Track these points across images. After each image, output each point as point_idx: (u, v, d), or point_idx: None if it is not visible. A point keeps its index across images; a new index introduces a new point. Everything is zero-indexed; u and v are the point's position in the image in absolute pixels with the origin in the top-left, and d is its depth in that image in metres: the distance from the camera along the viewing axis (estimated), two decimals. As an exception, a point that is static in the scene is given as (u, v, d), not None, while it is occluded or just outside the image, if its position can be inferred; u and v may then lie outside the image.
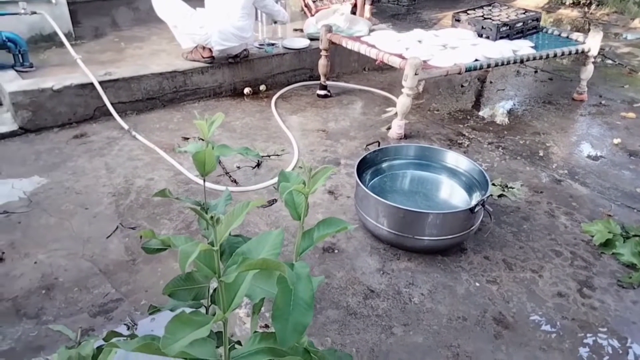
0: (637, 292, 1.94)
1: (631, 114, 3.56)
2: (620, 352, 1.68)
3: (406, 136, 3.15)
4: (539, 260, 2.10)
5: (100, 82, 3.17)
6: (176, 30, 3.51)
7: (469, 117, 3.51)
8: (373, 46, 3.33)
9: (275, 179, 2.62)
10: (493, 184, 2.62)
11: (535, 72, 4.46)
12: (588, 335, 1.74)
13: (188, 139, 3.04)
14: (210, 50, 3.48)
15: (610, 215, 2.40)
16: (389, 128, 3.22)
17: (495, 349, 1.67)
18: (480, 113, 3.62)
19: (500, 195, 2.54)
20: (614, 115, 3.57)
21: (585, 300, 1.90)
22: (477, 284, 1.96)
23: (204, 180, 1.21)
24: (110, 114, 3.16)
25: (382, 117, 3.47)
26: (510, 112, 3.66)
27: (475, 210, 2.00)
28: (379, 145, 2.45)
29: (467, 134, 3.24)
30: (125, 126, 3.08)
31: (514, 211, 2.43)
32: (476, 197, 2.22)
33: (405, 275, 2.00)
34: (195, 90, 3.59)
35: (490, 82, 4.22)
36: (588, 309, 1.86)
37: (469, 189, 2.30)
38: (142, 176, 2.62)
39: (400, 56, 3.11)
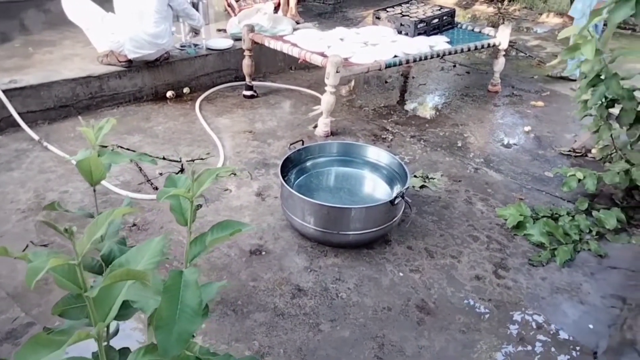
0: (545, 269, 2.09)
1: (540, 103, 3.83)
2: (534, 326, 1.80)
3: (333, 133, 3.19)
4: (458, 246, 2.20)
5: (5, 91, 2.94)
6: (89, 33, 3.34)
7: (392, 112, 3.61)
8: (295, 45, 3.34)
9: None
10: (415, 176, 2.72)
11: (454, 66, 4.68)
12: (503, 313, 1.85)
13: (106, 147, 2.89)
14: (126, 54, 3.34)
15: (521, 199, 2.57)
16: (315, 126, 3.24)
17: (419, 336, 1.74)
18: (403, 108, 3.74)
19: (421, 187, 2.64)
20: (525, 105, 3.82)
21: (500, 280, 2.02)
22: (401, 274, 2.02)
23: (94, 190, 1.16)
24: (18, 125, 2.94)
25: (309, 115, 3.49)
26: (431, 106, 3.81)
27: (396, 202, 2.06)
28: (303, 144, 2.46)
29: (390, 129, 3.33)
30: (36, 137, 2.88)
31: (435, 201, 2.53)
32: (397, 190, 2.29)
33: (332, 271, 2.02)
34: (113, 95, 3.43)
35: (413, 78, 4.37)
36: (503, 289, 1.98)
37: (391, 182, 2.37)
38: (55, 189, 2.46)
39: (322, 54, 3.14)
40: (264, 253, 2.11)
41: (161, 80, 3.64)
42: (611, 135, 2.56)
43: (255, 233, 2.23)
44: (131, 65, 3.42)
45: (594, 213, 2.39)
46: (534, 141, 3.25)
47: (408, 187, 2.14)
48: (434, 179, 2.72)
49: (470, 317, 1.83)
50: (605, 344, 1.73)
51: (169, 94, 3.64)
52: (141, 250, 0.77)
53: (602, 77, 2.36)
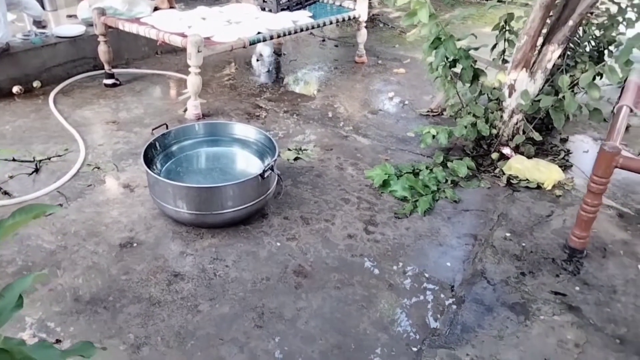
0: (409, 219, 2.28)
1: (402, 70, 4.10)
2: (400, 271, 1.96)
3: (205, 115, 3.12)
4: (331, 210, 2.31)
5: None
6: None
7: (265, 90, 3.62)
8: (153, 27, 3.17)
9: (58, 183, 2.37)
10: (289, 149, 2.78)
11: (323, 40, 4.80)
12: (374, 265, 1.99)
13: (-62, 154, 2.53)
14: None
15: (387, 160, 2.75)
16: (185, 110, 3.14)
17: (297, 299, 1.80)
18: (276, 85, 3.77)
19: (296, 159, 2.70)
20: (389, 73, 4.06)
21: (370, 236, 2.16)
22: (279, 244, 2.07)
23: None
24: None
25: (178, 99, 3.36)
26: (302, 81, 3.88)
27: (266, 175, 2.09)
28: (167, 128, 2.37)
29: (264, 106, 3.35)
30: None
31: (308, 171, 2.61)
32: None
33: (210, 252, 2.00)
34: (-57, 96, 2.99)
35: (284, 54, 4.41)
36: (373, 243, 2.12)
37: (262, 157, 2.39)
38: None
39: (182, 35, 3.03)
40: (135, 244, 2.02)
41: (4, 74, 3.24)
42: (457, 93, 2.83)
43: (124, 225, 2.12)
44: (-39, 59, 3.00)
45: (449, 164, 2.65)
46: (397, 105, 3.48)
47: (277, 160, 2.18)
48: (307, 150, 2.80)
49: (344, 273, 1.94)
50: (461, 277, 1.95)
51: (16, 89, 3.26)
52: None
53: (442, 39, 2.58)
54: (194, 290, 1.81)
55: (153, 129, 2.34)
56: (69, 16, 4.03)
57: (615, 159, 1.86)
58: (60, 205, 2.22)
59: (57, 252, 1.95)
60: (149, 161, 2.18)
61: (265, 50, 4.44)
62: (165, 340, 1.61)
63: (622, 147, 1.91)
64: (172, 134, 2.36)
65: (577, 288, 1.90)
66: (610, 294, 1.88)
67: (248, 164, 2.41)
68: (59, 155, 2.60)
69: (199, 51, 2.87)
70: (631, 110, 2.23)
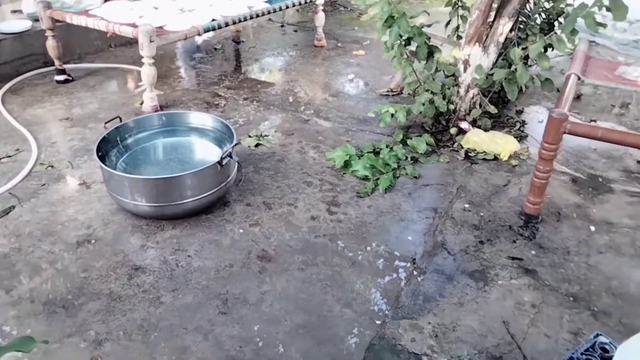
0: (370, 198, 2.30)
1: (361, 52, 4.10)
2: (363, 248, 1.98)
3: (162, 107, 3.05)
4: (294, 194, 2.31)
5: None
6: None
7: (224, 78, 3.57)
8: (102, 19, 3.07)
9: (10, 184, 2.29)
10: (249, 136, 2.76)
11: (282, 26, 4.75)
12: (337, 244, 2.00)
13: None
14: None
15: (348, 141, 2.76)
16: (142, 103, 3.07)
17: (261, 283, 1.80)
18: (235, 72, 3.72)
19: (257, 145, 2.69)
20: (349, 55, 4.06)
21: (333, 216, 2.17)
22: (241, 231, 2.06)
23: None
24: None
25: (135, 92, 3.28)
26: (262, 67, 3.84)
27: (224, 163, 2.07)
28: (121, 121, 2.32)
29: (223, 94, 3.30)
30: None
31: (270, 156, 2.60)
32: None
33: (171, 243, 1.98)
34: None
35: (243, 42, 4.35)
36: (335, 223, 2.13)
37: (221, 144, 2.36)
38: None
39: (133, 25, 2.94)
40: (93, 241, 1.98)
41: (-55, 76, 3.10)
42: (414, 71, 2.86)
43: (81, 223, 2.07)
44: None
45: (409, 142, 2.68)
46: (358, 87, 3.49)
47: (235, 146, 2.16)
48: (267, 136, 2.78)
49: (308, 254, 1.95)
50: (422, 250, 1.99)
51: (-40, 90, 3.12)
52: None
53: (395, 17, 2.59)
54: (155, 282, 1.79)
55: (105, 123, 2.28)
56: (14, 11, 3.86)
57: (563, 125, 1.91)
58: (13, 207, 2.14)
59: (10, 255, 1.89)
60: (103, 156, 2.12)
61: (222, 38, 4.37)
62: (127, 334, 1.59)
63: (573, 115, 1.96)
64: (125, 127, 2.30)
65: (533, 252, 1.96)
66: (564, 255, 1.95)
67: (207, 153, 2.38)
68: (10, 156, 2.51)
69: (151, 41, 2.80)
70: (579, 79, 2.30)
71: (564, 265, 1.90)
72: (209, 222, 2.11)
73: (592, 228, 2.09)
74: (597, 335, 1.33)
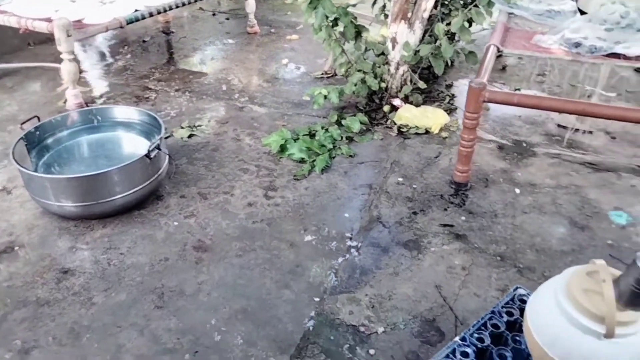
0: (308, 179, 2.30)
1: (295, 36, 4.08)
2: (300, 230, 1.98)
3: (88, 104, 2.92)
4: (230, 182, 2.28)
5: None
6: None
7: (154, 71, 3.45)
8: (13, 14, 2.89)
9: None
10: (182, 127, 2.69)
11: (214, 14, 4.64)
12: (275, 227, 2.00)
13: None
14: None
15: (284, 125, 2.75)
16: (65, 101, 2.92)
17: (198, 273, 1.78)
18: (166, 64, 3.60)
19: (190, 136, 2.63)
20: (282, 40, 4.03)
21: (270, 201, 2.16)
22: (176, 223, 2.02)
23: None
24: None
25: (58, 91, 3.11)
26: (194, 57, 3.75)
27: (152, 156, 2.01)
28: (39, 121, 2.20)
29: (153, 87, 3.19)
30: None
31: (204, 146, 2.55)
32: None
33: (102, 243, 1.91)
34: None
35: (173, 32, 4.21)
36: (273, 207, 2.13)
37: (149, 137, 2.29)
38: None
39: (48, 20, 2.78)
40: (17, 248, 1.87)
41: None
42: (344, 51, 2.87)
43: (3, 230, 1.96)
44: None
45: (343, 122, 2.70)
46: (292, 72, 3.47)
47: (164, 138, 2.10)
48: (201, 125, 2.73)
49: (245, 241, 1.93)
50: (359, 226, 2.02)
51: None
52: None
53: (319, -2, 2.59)
54: (86, 283, 1.73)
55: (22, 124, 2.15)
56: None
57: (482, 93, 1.99)
58: None
59: None
60: (22, 158, 2.01)
61: (151, 30, 4.21)
62: (57, 339, 1.52)
63: (499, 85, 2.04)
64: (44, 126, 2.19)
65: (463, 218, 2.04)
66: (492, 218, 2.04)
67: (136, 147, 2.29)
68: None
69: (68, 35, 2.66)
70: (499, 50, 2.39)
71: (491, 227, 1.99)
72: (142, 217, 2.05)
73: (517, 191, 2.20)
74: (517, 288, 1.41)
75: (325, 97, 2.74)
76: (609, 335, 0.99)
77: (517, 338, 1.23)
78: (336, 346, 1.51)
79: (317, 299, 1.67)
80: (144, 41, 4.00)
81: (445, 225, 2.00)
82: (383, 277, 1.76)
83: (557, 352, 1.06)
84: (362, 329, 1.56)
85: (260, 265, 1.81)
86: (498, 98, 2.00)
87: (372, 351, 1.49)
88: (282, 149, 2.48)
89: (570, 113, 1.96)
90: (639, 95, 3.06)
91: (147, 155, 1.99)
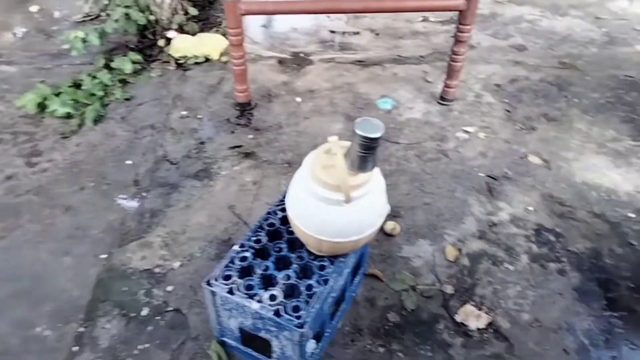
0: (79, 135, 2.04)
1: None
2: (79, 190, 1.76)
3: None
4: (-21, 158, 1.91)
5: None
6: None
7: None
8: None
9: None
10: None
11: None
12: (45, 195, 1.74)
13: None
14: None
15: (42, 81, 2.36)
16: None
17: (-51, 271, 1.48)
18: None
19: None
20: None
21: (35, 168, 1.87)
22: None
23: None
24: None
25: None
26: None
27: None
28: None
29: None
30: None
31: (-63, 124, 2.07)
32: None
33: None
34: None
35: None
36: (40, 174, 1.84)
37: None
38: None
39: None
40: None
41: None
42: (95, -15, 2.52)
43: None
44: None
45: (112, 65, 2.43)
46: (45, 17, 2.97)
47: None
48: None
49: (9, 219, 1.65)
50: (144, 169, 1.87)
51: None
52: None
53: None
54: None
55: None
56: None
57: (238, 7, 1.92)
58: None
59: None
60: None
61: None
62: None
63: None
64: None
65: (251, 136, 2.04)
66: (277, 130, 2.08)
67: None
68: None
69: None
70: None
71: (278, 139, 2.03)
72: None
73: (299, 99, 2.26)
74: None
75: (85, 40, 2.40)
76: (347, 200, 1.07)
77: (292, 229, 1.28)
78: (131, 295, 1.41)
79: (104, 256, 1.53)
80: None
81: (233, 148, 1.97)
82: (175, 213, 1.68)
83: (313, 229, 1.12)
84: (157, 269, 1.49)
85: (31, 241, 1.58)
86: (253, 9, 1.96)
87: (169, 288, 1.43)
88: (42, 107, 2.14)
89: (320, 13, 2.02)
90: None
91: None
